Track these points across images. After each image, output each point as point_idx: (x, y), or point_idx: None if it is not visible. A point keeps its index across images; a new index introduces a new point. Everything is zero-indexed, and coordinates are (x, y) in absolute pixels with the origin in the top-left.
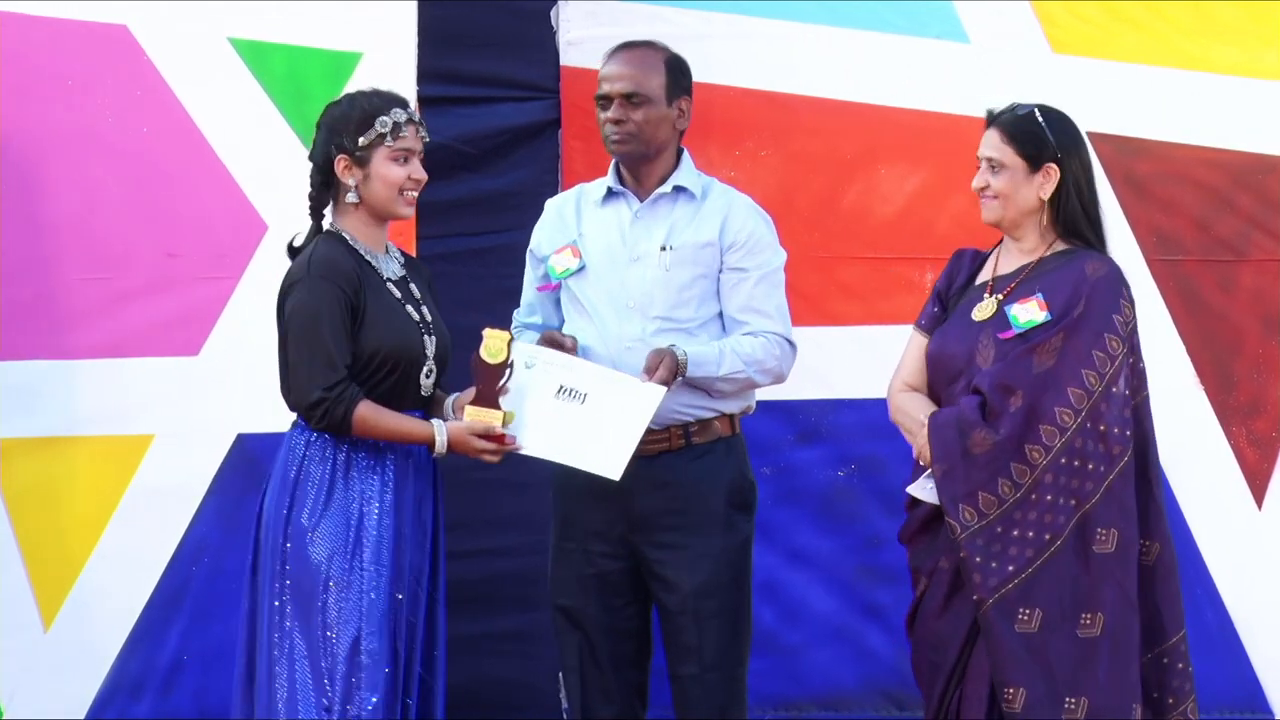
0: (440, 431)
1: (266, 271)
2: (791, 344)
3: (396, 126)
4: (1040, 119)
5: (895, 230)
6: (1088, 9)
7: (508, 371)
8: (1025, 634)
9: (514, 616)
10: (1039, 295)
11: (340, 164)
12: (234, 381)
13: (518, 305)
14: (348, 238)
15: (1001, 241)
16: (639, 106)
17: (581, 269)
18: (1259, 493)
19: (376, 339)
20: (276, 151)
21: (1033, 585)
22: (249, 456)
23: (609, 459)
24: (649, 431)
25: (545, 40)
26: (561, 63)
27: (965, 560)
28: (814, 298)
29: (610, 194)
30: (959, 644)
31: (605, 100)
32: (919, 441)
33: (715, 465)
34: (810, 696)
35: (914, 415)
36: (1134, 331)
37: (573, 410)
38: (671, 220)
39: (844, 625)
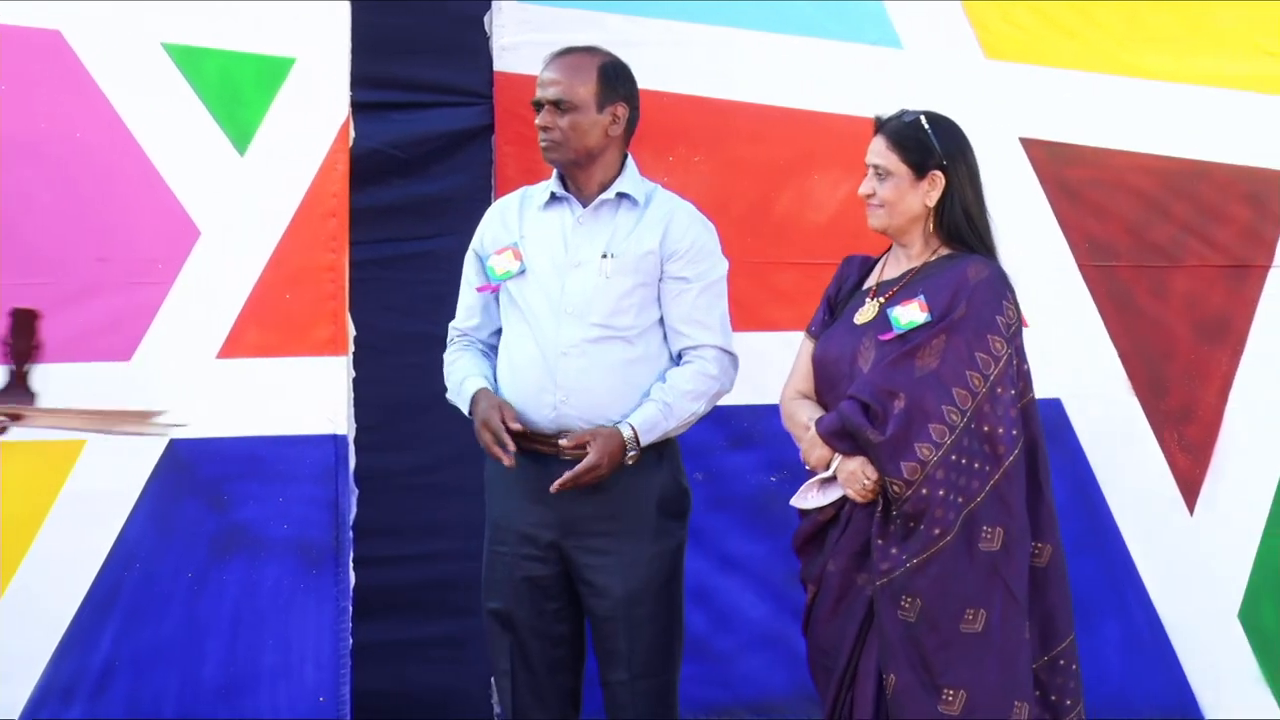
0: None
1: (199, 277)
2: (731, 355)
3: None
4: (926, 126)
5: (828, 236)
6: (1021, 15)
7: None
8: (905, 622)
9: (447, 622)
10: (920, 297)
11: None
12: (166, 387)
13: (449, 310)
14: None
15: (891, 248)
16: (565, 113)
17: (522, 272)
18: (1190, 498)
19: None
20: (210, 157)
21: (916, 575)
22: (181, 462)
23: None
24: (579, 432)
25: (479, 45)
26: (495, 68)
27: (873, 546)
28: (747, 303)
29: (553, 198)
30: (849, 647)
31: (538, 107)
32: (805, 447)
33: (647, 471)
34: (741, 702)
35: (801, 421)
36: (1018, 333)
37: None
38: (614, 227)
39: (775, 631)
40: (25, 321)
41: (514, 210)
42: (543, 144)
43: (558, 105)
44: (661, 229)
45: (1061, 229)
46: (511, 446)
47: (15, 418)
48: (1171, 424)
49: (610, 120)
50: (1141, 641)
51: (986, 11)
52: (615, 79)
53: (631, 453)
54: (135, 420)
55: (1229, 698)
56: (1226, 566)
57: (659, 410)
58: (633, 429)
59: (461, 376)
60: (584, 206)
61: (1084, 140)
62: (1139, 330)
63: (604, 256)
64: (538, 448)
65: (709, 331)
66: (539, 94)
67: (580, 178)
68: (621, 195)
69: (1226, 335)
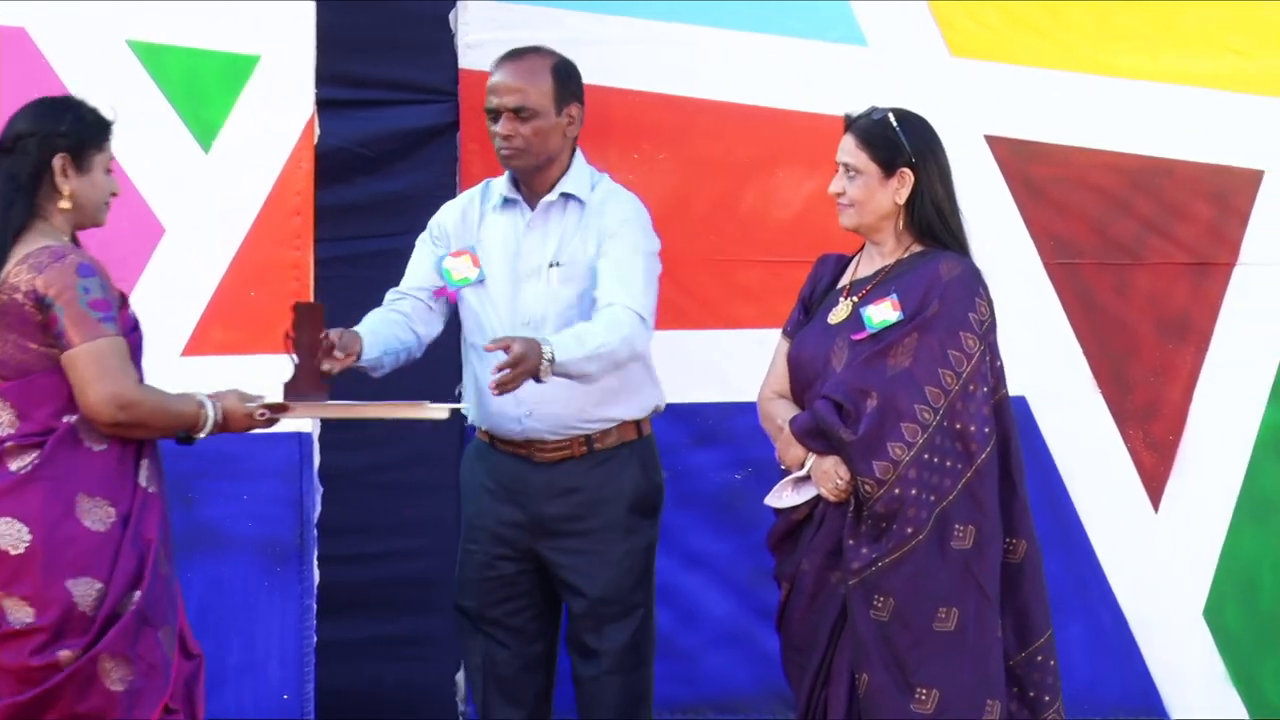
0: None
1: (163, 275)
2: (644, 320)
3: None
4: (894, 124)
5: (792, 233)
6: (986, 12)
7: None
8: (877, 620)
9: (412, 620)
10: (893, 296)
11: None
12: None
13: None
14: None
15: (864, 246)
16: (528, 120)
17: (481, 281)
18: (1155, 496)
19: None
20: (174, 154)
21: (889, 574)
22: None
23: None
24: (548, 441)
25: (444, 43)
26: (460, 66)
27: (844, 545)
28: (711, 301)
29: (506, 200)
30: (823, 645)
31: (494, 113)
32: (780, 446)
33: (618, 471)
34: (706, 700)
35: (777, 421)
36: (991, 329)
37: None
38: (561, 231)
39: (740, 628)
40: (311, 314)
41: (475, 206)
42: (504, 152)
43: (518, 113)
44: (599, 227)
45: (1026, 226)
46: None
47: (282, 409)
48: (1136, 422)
49: (568, 121)
50: (1106, 640)
51: (952, 9)
52: (568, 78)
53: (545, 362)
54: (408, 409)
55: (1194, 697)
56: (1191, 565)
57: (573, 334)
58: (549, 342)
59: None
60: (532, 209)
61: (1049, 138)
62: (1103, 328)
63: (551, 266)
64: (509, 450)
65: (619, 291)
66: (495, 101)
67: (536, 181)
68: (566, 195)
69: (1191, 333)
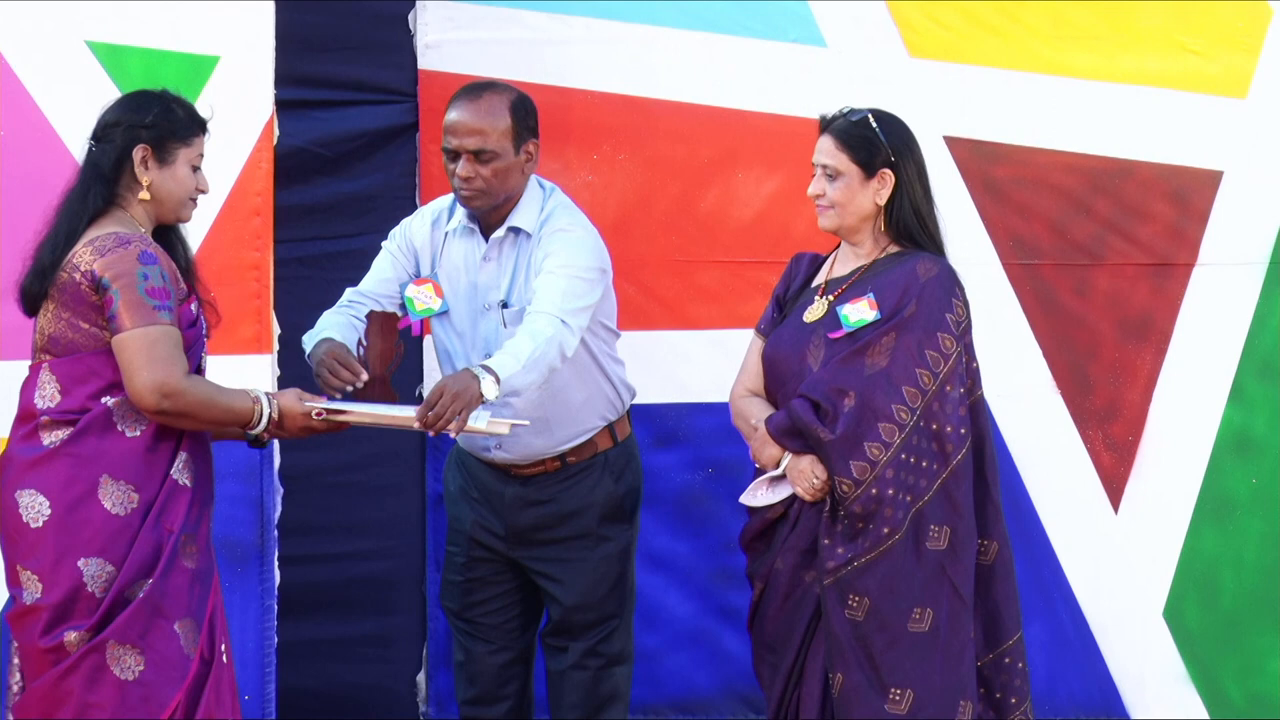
0: None
1: None
2: (563, 322)
3: None
4: (874, 124)
5: (752, 234)
6: (945, 14)
7: None
8: (852, 620)
9: (373, 620)
10: (870, 295)
11: None
12: None
13: None
14: None
15: (840, 245)
16: (488, 163)
17: (444, 311)
18: (1115, 496)
19: None
20: None
21: (864, 574)
22: None
23: None
24: (522, 464)
25: (403, 44)
26: (420, 66)
27: (820, 545)
28: (671, 302)
29: (466, 227)
30: (796, 644)
31: (452, 153)
32: (755, 445)
33: (590, 483)
34: (667, 700)
35: (751, 420)
36: (967, 330)
37: None
38: (513, 266)
39: (700, 629)
40: (384, 323)
41: (441, 226)
42: (464, 193)
43: (478, 155)
44: (540, 260)
45: (985, 227)
46: (351, 374)
47: (339, 413)
48: (1096, 422)
49: (526, 159)
50: (1067, 641)
51: (911, 10)
52: (525, 115)
53: (490, 381)
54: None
55: (1154, 697)
56: (1151, 565)
57: (503, 352)
58: (485, 365)
59: (318, 331)
60: (486, 240)
61: (1008, 139)
62: (1063, 328)
63: (503, 306)
64: (487, 462)
65: (544, 300)
66: (455, 143)
67: (492, 215)
68: (514, 229)
69: (1150, 333)
